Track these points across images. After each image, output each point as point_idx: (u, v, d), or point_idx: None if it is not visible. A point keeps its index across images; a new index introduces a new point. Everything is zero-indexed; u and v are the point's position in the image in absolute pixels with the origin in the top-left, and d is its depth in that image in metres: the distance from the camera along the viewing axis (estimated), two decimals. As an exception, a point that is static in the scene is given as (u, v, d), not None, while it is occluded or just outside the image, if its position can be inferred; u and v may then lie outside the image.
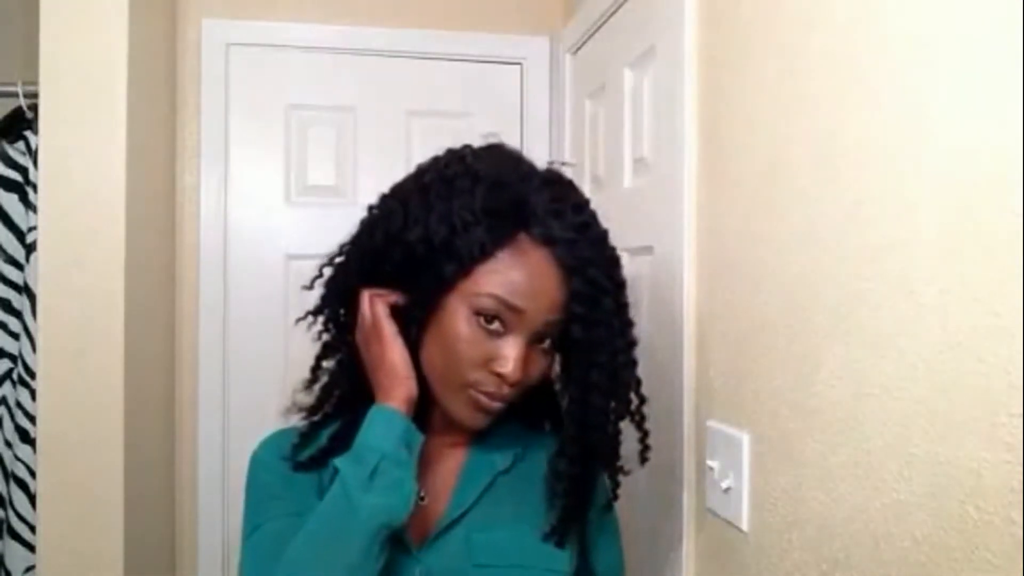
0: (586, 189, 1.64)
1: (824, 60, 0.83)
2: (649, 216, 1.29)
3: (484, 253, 0.76)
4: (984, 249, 0.61)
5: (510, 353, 0.76)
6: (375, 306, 0.81)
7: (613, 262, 0.82)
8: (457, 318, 0.77)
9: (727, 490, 1.01)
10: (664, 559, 1.19)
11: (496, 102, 1.98)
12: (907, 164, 0.70)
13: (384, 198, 0.85)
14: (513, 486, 0.86)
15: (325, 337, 0.89)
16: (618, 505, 0.96)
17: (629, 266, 1.35)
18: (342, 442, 0.82)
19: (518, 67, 1.99)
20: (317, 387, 0.89)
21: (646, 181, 1.34)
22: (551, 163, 0.88)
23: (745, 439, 0.98)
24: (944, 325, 0.66)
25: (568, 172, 0.85)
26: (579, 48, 1.76)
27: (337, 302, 0.87)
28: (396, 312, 0.81)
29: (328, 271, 0.87)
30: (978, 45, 0.63)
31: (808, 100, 0.86)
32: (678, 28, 1.18)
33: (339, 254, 0.87)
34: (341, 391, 0.89)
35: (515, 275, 0.76)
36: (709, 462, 1.06)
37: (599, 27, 1.60)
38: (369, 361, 0.81)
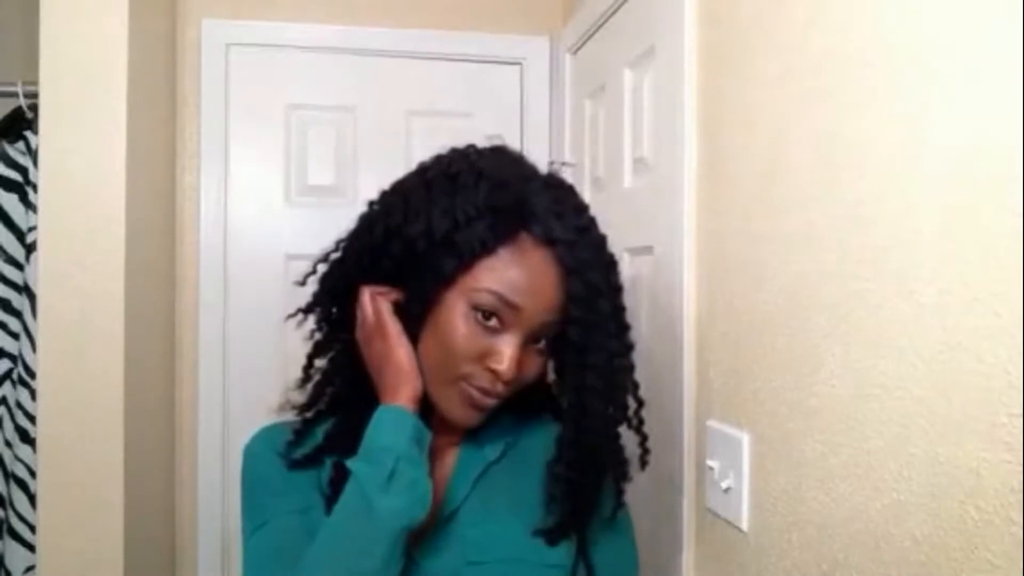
0: (586, 189, 1.64)
1: (824, 60, 0.83)
2: (649, 216, 1.29)
3: (485, 249, 0.76)
4: (984, 249, 0.61)
5: (506, 350, 0.76)
6: (378, 303, 0.81)
7: (612, 266, 0.82)
8: (455, 313, 0.77)
9: (727, 490, 1.01)
10: (664, 559, 1.19)
11: (496, 102, 1.98)
12: (907, 164, 0.70)
13: (385, 194, 0.85)
14: (506, 476, 0.86)
15: (318, 335, 0.89)
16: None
17: (629, 266, 1.36)
18: (339, 440, 0.82)
19: (518, 67, 1.99)
20: (310, 385, 0.89)
21: (646, 181, 1.34)
22: (552, 164, 0.88)
23: (745, 439, 0.98)
24: (944, 325, 0.66)
25: (568, 172, 0.85)
26: (579, 48, 1.76)
27: (332, 299, 0.87)
28: (396, 309, 0.81)
29: (322, 267, 0.87)
30: (978, 45, 0.63)
31: (808, 100, 0.86)
32: (678, 28, 1.18)
33: (335, 250, 0.87)
34: (335, 389, 0.89)
35: (514, 272, 0.76)
36: (709, 462, 1.06)
37: (599, 27, 1.60)
38: (372, 359, 0.81)
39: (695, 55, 1.15)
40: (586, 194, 1.67)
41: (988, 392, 0.61)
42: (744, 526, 0.98)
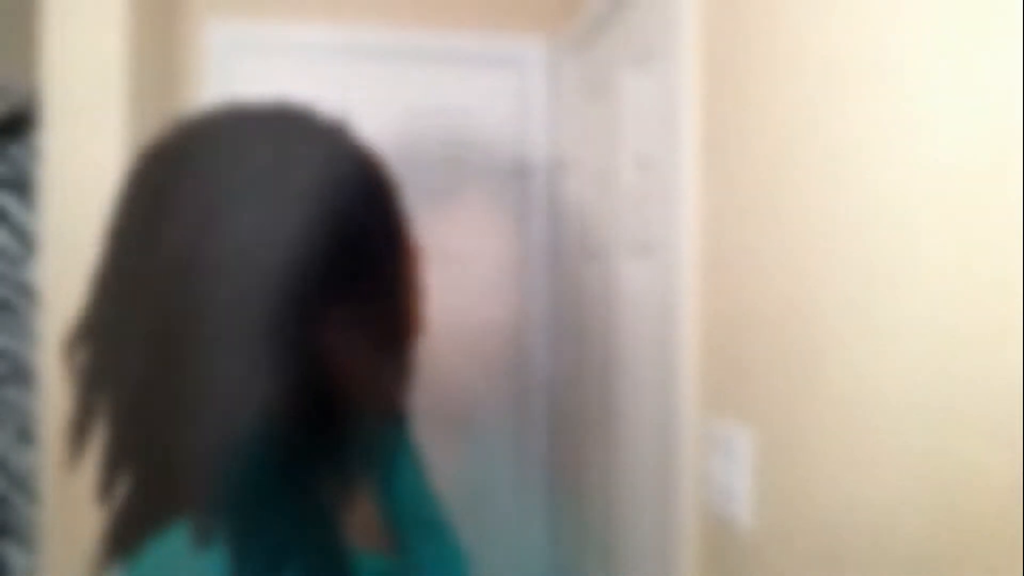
0: (586, 188, 1.64)
1: (825, 60, 0.83)
2: (649, 215, 1.29)
3: None
4: (985, 249, 0.61)
5: None
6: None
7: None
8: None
9: (727, 489, 1.01)
10: (663, 558, 1.19)
11: (495, 102, 1.97)
12: (908, 162, 0.70)
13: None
14: None
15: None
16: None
17: (629, 265, 1.36)
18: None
19: (517, 67, 1.99)
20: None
21: (646, 180, 1.34)
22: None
23: (745, 438, 0.98)
24: (944, 324, 0.66)
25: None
26: (579, 48, 1.75)
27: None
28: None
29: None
30: (979, 44, 0.63)
31: (809, 99, 0.86)
32: (678, 28, 1.18)
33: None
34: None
35: None
36: (709, 460, 1.06)
37: (599, 27, 1.60)
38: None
39: (695, 55, 1.15)
40: (586, 193, 1.67)
41: (988, 392, 0.61)
42: (744, 525, 0.98)
